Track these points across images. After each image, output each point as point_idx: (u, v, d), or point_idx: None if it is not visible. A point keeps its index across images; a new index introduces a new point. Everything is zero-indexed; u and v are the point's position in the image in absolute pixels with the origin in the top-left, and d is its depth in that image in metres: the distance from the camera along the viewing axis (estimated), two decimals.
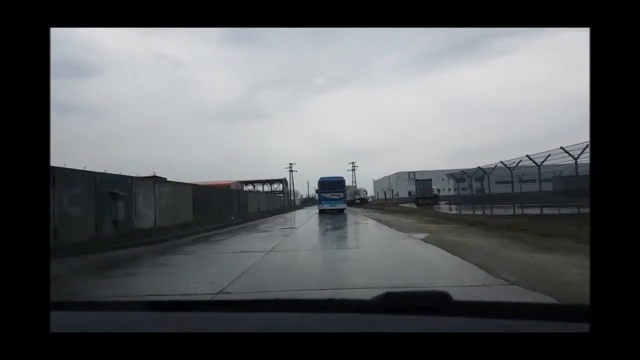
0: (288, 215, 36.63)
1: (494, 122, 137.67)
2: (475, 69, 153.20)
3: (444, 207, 37.87)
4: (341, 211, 35.46)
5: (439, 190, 59.80)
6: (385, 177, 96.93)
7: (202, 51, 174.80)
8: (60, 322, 1.10)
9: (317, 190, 37.73)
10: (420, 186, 53.57)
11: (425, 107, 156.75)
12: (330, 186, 36.19)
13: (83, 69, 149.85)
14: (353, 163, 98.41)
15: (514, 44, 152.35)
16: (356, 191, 79.83)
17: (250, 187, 72.28)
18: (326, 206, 35.54)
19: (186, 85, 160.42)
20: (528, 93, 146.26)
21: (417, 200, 52.03)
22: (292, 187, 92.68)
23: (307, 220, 25.76)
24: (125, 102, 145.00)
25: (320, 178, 37.91)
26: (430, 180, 55.36)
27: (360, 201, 73.76)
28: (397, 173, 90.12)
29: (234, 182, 52.95)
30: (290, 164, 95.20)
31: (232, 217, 26.35)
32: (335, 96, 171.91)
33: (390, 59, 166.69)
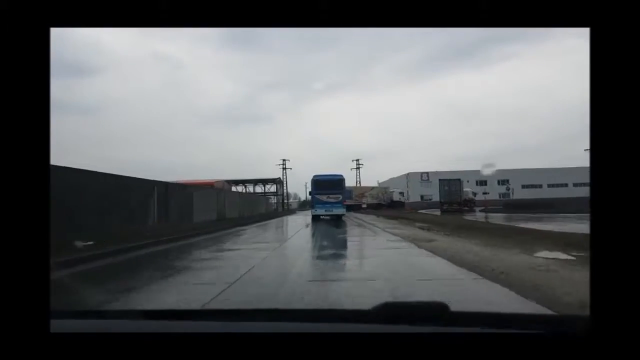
0: (257, 228, 21.07)
1: (499, 127, 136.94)
2: (478, 73, 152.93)
3: (480, 215, 27.44)
4: (339, 217, 27.88)
5: (474, 194, 47.28)
6: (391, 179, 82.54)
7: (201, 53, 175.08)
8: (60, 329, 1.10)
9: (310, 192, 29.57)
10: (446, 188, 41.89)
11: (428, 110, 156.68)
12: (327, 186, 28.30)
13: (82, 68, 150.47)
14: (357, 161, 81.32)
15: (516, 49, 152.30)
16: (382, 192, 63.24)
17: (240, 188, 62.61)
18: (321, 211, 28.10)
19: (185, 87, 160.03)
20: (532, 97, 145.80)
21: (442, 205, 40.71)
22: (285, 188, 77.62)
23: (277, 246, 11.77)
24: (125, 103, 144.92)
25: (314, 176, 29.32)
26: (459, 180, 42.66)
27: (393, 204, 57.21)
28: (407, 174, 76.75)
29: (218, 181, 42.65)
30: (284, 159, 78.11)
31: (80, 243, 10.28)
32: (335, 99, 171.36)
33: (391, 61, 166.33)
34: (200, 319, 1.36)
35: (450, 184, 42.03)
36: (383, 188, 67.10)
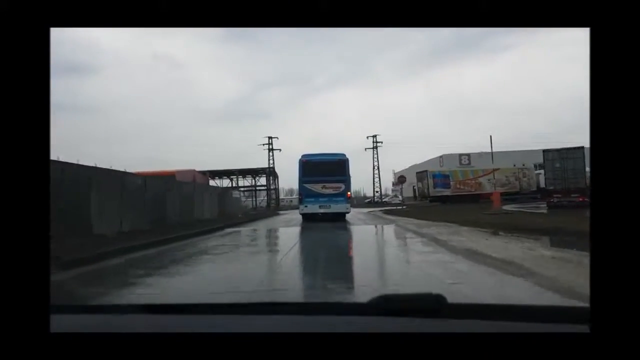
0: None
1: (501, 120, 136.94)
2: (479, 66, 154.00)
3: None
4: (342, 218, 18.71)
5: None
6: (413, 165, 59.69)
7: (201, 50, 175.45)
8: (60, 325, 1.10)
9: (300, 180, 19.67)
10: (557, 165, 22.25)
11: (431, 103, 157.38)
12: (322, 171, 18.91)
13: (84, 68, 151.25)
14: (375, 137, 60.74)
15: (518, 42, 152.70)
16: (518, 174, 39.35)
17: (226, 181, 51.66)
18: (313, 207, 18.83)
19: (185, 84, 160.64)
20: (531, 89, 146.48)
21: (551, 196, 21.99)
22: (271, 179, 57.64)
23: None
24: (125, 101, 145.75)
25: (303, 156, 19.71)
26: (582, 149, 21.86)
27: (537, 194, 33.06)
28: (441, 157, 55.93)
29: (182, 171, 32.01)
30: (270, 137, 59.06)
31: None
32: (336, 95, 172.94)
33: (393, 57, 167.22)
34: (203, 313, 1.36)
35: (567, 157, 22.16)
36: (520, 168, 40.75)
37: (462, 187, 40.01)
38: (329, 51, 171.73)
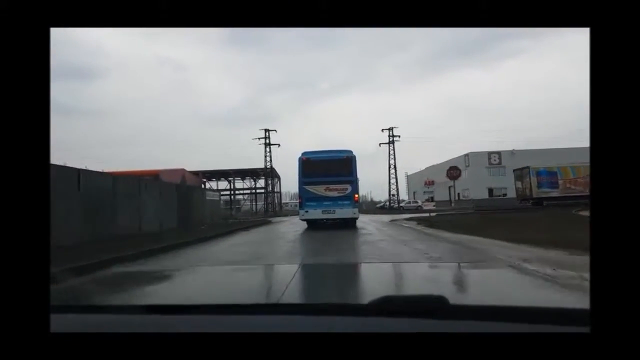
0: None
1: (508, 124, 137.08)
2: (483, 70, 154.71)
3: None
4: (352, 227, 16.33)
5: None
6: (430, 167, 54.40)
7: (206, 54, 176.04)
8: (60, 324, 1.10)
9: (300, 181, 17.10)
10: None
11: (436, 107, 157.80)
12: (325, 170, 16.55)
13: (85, 69, 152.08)
14: (391, 130, 50.41)
15: (522, 46, 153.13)
16: None
17: (224, 183, 50.00)
18: (315, 213, 16.43)
19: (189, 88, 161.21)
20: (532, 93, 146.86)
21: None
22: (268, 180, 51.76)
23: None
24: (128, 103, 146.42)
25: (304, 154, 17.25)
26: None
27: None
28: (467, 155, 48.58)
29: (167, 170, 27.75)
30: (266, 129, 50.44)
31: None
32: (340, 98, 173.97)
33: (396, 61, 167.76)
34: (204, 313, 1.36)
35: None
36: None
37: (573, 186, 32.33)
38: (333, 54, 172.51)
